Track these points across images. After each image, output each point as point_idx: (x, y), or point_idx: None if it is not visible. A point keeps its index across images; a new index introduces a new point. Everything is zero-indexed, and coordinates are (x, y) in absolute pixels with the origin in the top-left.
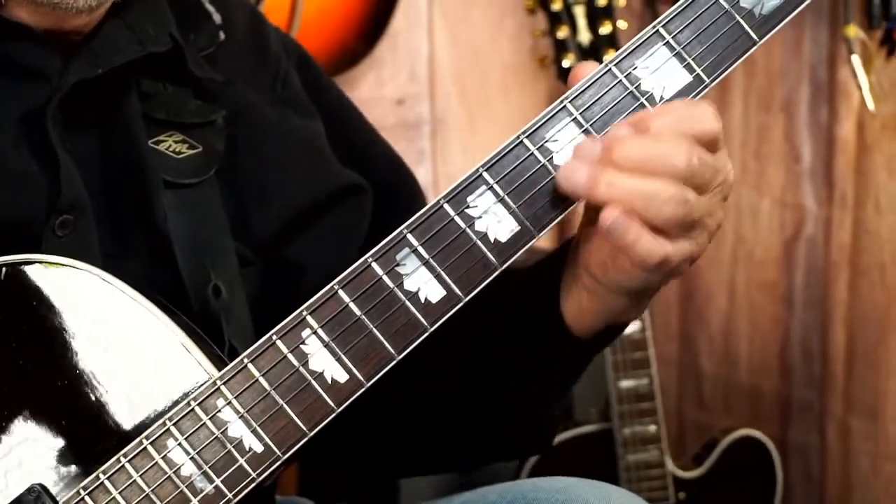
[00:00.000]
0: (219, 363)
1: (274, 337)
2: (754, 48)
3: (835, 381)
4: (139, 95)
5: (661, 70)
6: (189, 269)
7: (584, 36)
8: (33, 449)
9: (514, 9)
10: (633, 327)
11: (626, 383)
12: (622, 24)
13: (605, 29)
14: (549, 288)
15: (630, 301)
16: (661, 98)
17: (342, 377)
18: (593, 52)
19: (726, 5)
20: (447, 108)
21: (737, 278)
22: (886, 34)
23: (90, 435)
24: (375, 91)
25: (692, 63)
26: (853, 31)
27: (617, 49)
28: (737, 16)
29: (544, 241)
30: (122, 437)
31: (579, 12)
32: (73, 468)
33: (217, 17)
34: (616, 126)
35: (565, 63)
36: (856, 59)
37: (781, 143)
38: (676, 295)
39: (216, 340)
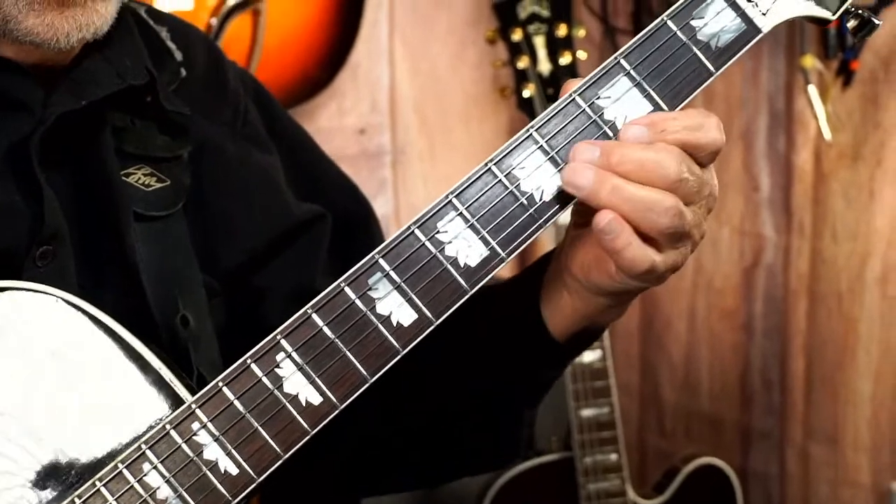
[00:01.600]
0: (190, 391)
1: (249, 360)
2: (711, 79)
3: (794, 408)
4: (111, 129)
5: (622, 100)
6: (157, 300)
7: (545, 66)
8: (8, 473)
9: (475, 39)
10: (593, 356)
11: (586, 412)
12: (582, 55)
13: (564, 59)
14: (530, 292)
15: (610, 301)
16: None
17: (316, 399)
18: (553, 81)
19: (684, 38)
20: (408, 137)
21: (697, 306)
22: (842, 64)
23: (66, 459)
24: (336, 121)
25: (652, 93)
26: (810, 61)
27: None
28: (694, 48)
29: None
30: (97, 462)
31: (539, 43)
32: (49, 493)
33: (178, 55)
34: (626, 126)
35: (525, 93)
36: (812, 89)
37: (740, 172)
38: (637, 324)
39: (184, 370)
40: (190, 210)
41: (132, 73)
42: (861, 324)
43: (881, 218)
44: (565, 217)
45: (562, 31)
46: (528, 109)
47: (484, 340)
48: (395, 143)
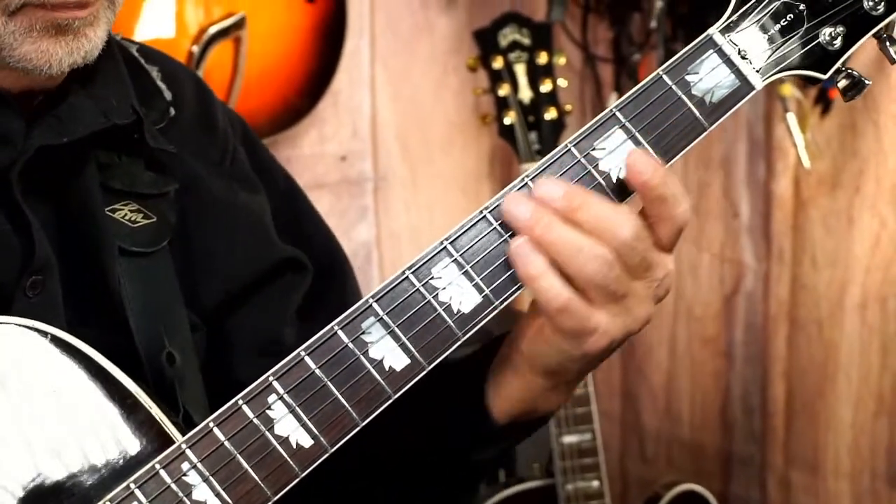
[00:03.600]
0: (178, 429)
1: (240, 402)
2: (704, 134)
3: (775, 434)
4: (98, 166)
5: (617, 151)
6: (143, 337)
7: (525, 93)
8: None
9: (457, 66)
10: None
11: (568, 439)
12: (562, 83)
13: (545, 87)
14: (479, 371)
15: (548, 382)
16: (618, 178)
17: (307, 442)
18: (534, 109)
19: (679, 92)
20: (390, 164)
21: (678, 334)
22: (821, 93)
23: (55, 498)
24: (318, 148)
25: (646, 146)
26: (788, 89)
27: (557, 107)
28: (689, 103)
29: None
30: (86, 501)
31: (520, 70)
32: None
33: (168, 94)
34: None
35: (507, 120)
36: (791, 117)
37: (720, 199)
38: (618, 351)
39: (170, 407)
40: (175, 246)
41: (117, 112)
42: (841, 350)
43: (860, 245)
44: None
45: (542, 58)
46: (509, 136)
47: (428, 413)
48: (376, 170)
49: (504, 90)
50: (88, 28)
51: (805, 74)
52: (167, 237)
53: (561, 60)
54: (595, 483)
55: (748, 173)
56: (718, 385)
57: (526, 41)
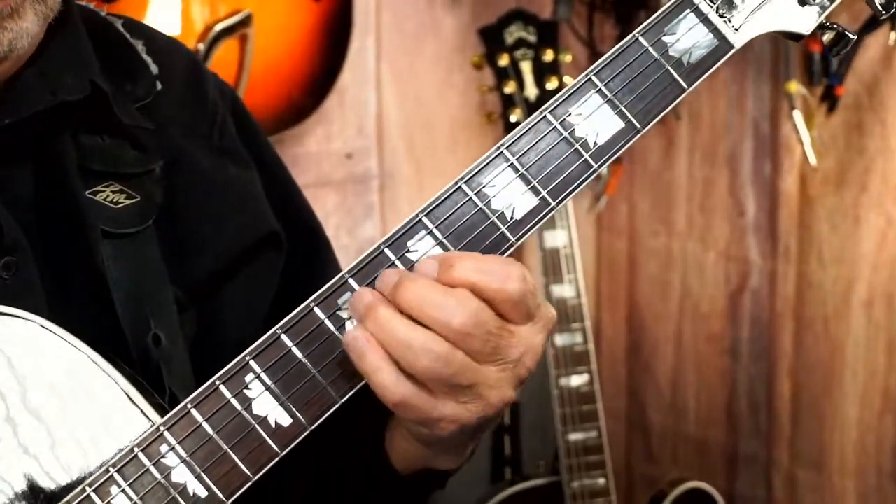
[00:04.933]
0: (161, 411)
1: (217, 382)
2: (683, 95)
3: (781, 432)
4: (76, 146)
5: (593, 116)
6: (129, 319)
7: (531, 91)
8: None
9: (462, 64)
10: (580, 380)
11: (574, 436)
12: (568, 80)
13: (551, 84)
14: (377, 427)
15: (431, 450)
16: (595, 144)
17: (286, 421)
18: (540, 106)
19: (655, 54)
20: (395, 162)
21: (683, 331)
22: (827, 90)
23: (34, 483)
24: (324, 145)
25: (624, 110)
26: (794, 87)
27: None
28: (666, 64)
29: None
30: (65, 486)
31: (526, 68)
32: None
33: (154, 68)
34: (421, 261)
35: (513, 118)
36: (797, 115)
37: (726, 197)
38: (624, 348)
39: (157, 389)
40: (162, 223)
41: (68, 88)
42: (847, 348)
43: (867, 242)
44: (552, 241)
45: (548, 56)
46: None
47: (337, 464)
48: (382, 168)
49: (510, 88)
50: (9, 20)
51: (787, 30)
52: (152, 216)
53: (567, 58)
54: (601, 481)
55: (754, 171)
56: (724, 382)
57: (532, 39)
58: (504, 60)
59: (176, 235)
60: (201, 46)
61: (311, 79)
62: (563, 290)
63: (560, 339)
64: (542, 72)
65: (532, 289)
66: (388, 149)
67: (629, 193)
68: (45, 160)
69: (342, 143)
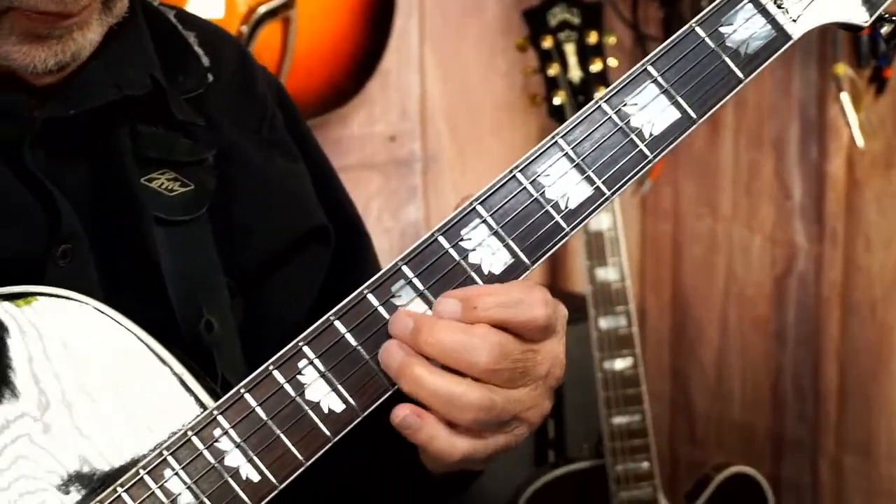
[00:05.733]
0: (214, 396)
1: (271, 367)
2: (740, 86)
3: (827, 417)
4: (132, 135)
5: (649, 107)
6: (181, 306)
7: (575, 73)
8: (30, 475)
9: (505, 47)
10: (624, 364)
11: (618, 420)
12: (612, 62)
13: (595, 66)
14: None
15: (464, 464)
16: (651, 134)
17: (339, 407)
18: (584, 89)
19: (712, 45)
20: (438, 145)
21: (728, 315)
22: (875, 72)
23: (87, 464)
24: (367, 128)
25: (679, 100)
26: (842, 69)
27: (607, 86)
28: (723, 55)
29: (537, 274)
30: (119, 468)
31: (570, 50)
32: (70, 497)
33: (205, 60)
34: (443, 297)
35: (556, 100)
36: (845, 97)
37: (772, 180)
38: (668, 332)
39: (209, 375)
40: (213, 212)
41: (132, 83)
42: (895, 332)
43: None
44: (597, 224)
45: (592, 38)
46: (558, 117)
47: (371, 466)
48: (425, 151)
49: (554, 70)
50: (76, 32)
51: (845, 22)
52: (205, 204)
53: (611, 40)
54: (645, 464)
55: (801, 154)
56: (769, 367)
57: (576, 20)
58: (548, 42)
59: (227, 224)
60: (244, 29)
61: (354, 61)
62: (608, 273)
63: (604, 322)
64: (586, 54)
65: (554, 306)
66: (431, 131)
67: (674, 177)
68: (102, 149)
69: (385, 126)
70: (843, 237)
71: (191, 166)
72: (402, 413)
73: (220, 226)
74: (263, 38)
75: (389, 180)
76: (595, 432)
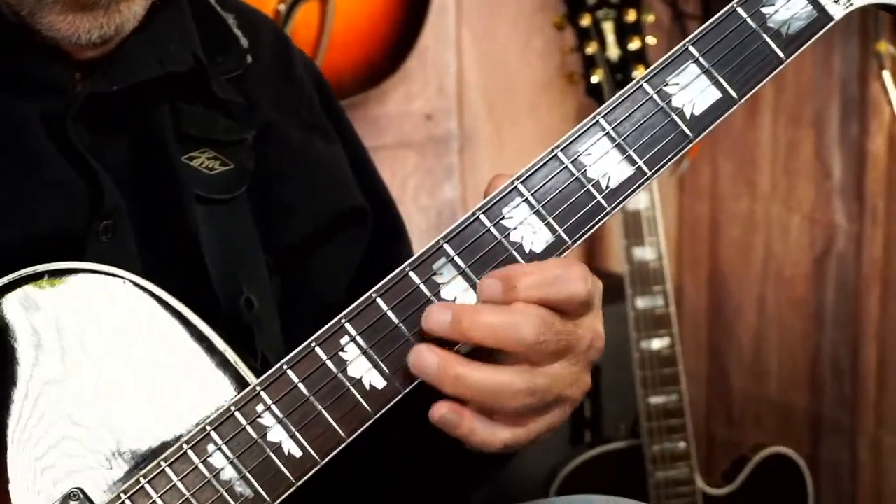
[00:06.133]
0: (255, 373)
1: (313, 344)
2: (781, 67)
3: (866, 397)
4: (173, 113)
5: (691, 87)
6: (221, 283)
7: (613, 52)
8: (75, 453)
9: (543, 25)
10: (661, 343)
11: (655, 400)
12: (651, 40)
13: (633, 45)
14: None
15: (507, 450)
16: (692, 114)
17: (380, 383)
18: (622, 67)
19: (754, 25)
20: (475, 123)
21: (766, 295)
22: None
23: (131, 440)
24: (404, 106)
25: (721, 80)
26: (884, 46)
27: (646, 65)
28: (764, 35)
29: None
30: (162, 443)
31: (608, 28)
32: (114, 472)
33: (244, 42)
34: (485, 279)
35: (594, 79)
36: (887, 75)
37: (811, 159)
38: (705, 311)
39: (248, 351)
40: (253, 191)
41: (174, 60)
42: None
43: None
44: (634, 203)
45: (630, 16)
46: (596, 95)
47: (411, 445)
48: (462, 129)
49: (591, 48)
50: (122, 3)
51: (887, 3)
52: (245, 184)
53: (649, 18)
54: (681, 444)
55: (841, 132)
56: (808, 347)
57: None
58: (586, 21)
59: (266, 204)
60: (282, 8)
61: (392, 40)
62: (645, 253)
63: (641, 302)
64: (624, 32)
65: (592, 282)
66: (468, 110)
67: (712, 156)
68: (144, 126)
69: (422, 105)
70: (883, 216)
71: (231, 146)
72: (441, 411)
73: (259, 205)
74: (301, 16)
75: (426, 159)
76: (631, 412)
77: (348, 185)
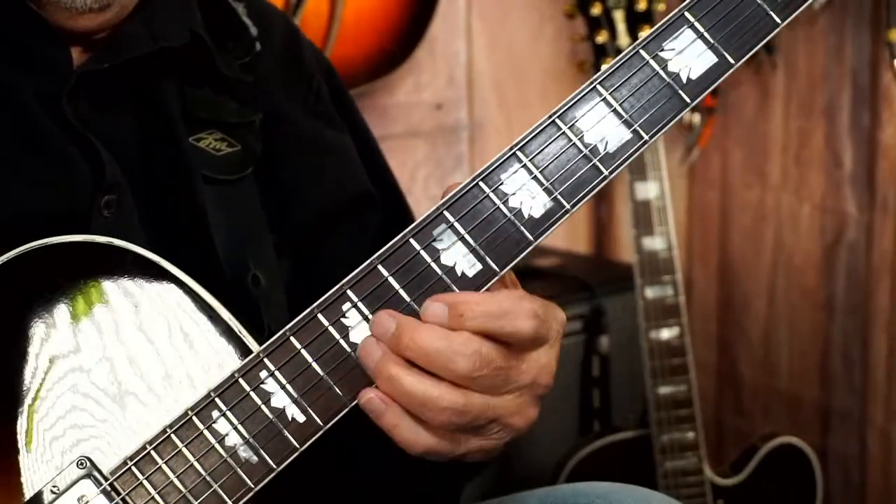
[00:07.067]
0: (259, 343)
1: (315, 310)
2: (776, 30)
3: (876, 388)
4: (180, 96)
5: (686, 52)
6: (228, 259)
7: (624, 40)
8: (81, 421)
9: (553, 14)
10: (671, 333)
11: (664, 390)
12: None
13: (644, 33)
14: None
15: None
16: (688, 79)
17: None
18: None
19: None
20: (485, 113)
21: (776, 284)
22: None
23: (136, 408)
24: (414, 95)
25: (717, 45)
26: None
27: None
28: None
29: (584, 242)
30: (167, 411)
31: (618, 17)
32: (121, 441)
33: (254, 30)
34: (430, 301)
35: (604, 67)
36: None
37: (822, 149)
38: (715, 301)
39: (255, 327)
40: (261, 174)
41: (169, 37)
42: None
43: None
44: (644, 193)
45: (642, 4)
46: None
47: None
48: (472, 119)
49: (602, 37)
50: None
51: None
52: (252, 165)
53: (660, 6)
54: (690, 434)
55: (852, 122)
56: (817, 337)
57: None
58: (597, 9)
59: (274, 187)
60: None
61: (401, 28)
62: (654, 243)
63: (651, 292)
64: (636, 20)
65: (544, 317)
66: (478, 99)
67: (723, 145)
68: (150, 107)
69: (432, 94)
70: (894, 205)
71: (238, 128)
72: (367, 395)
73: (266, 187)
74: (311, 5)
75: (436, 148)
76: (640, 402)
77: (357, 171)
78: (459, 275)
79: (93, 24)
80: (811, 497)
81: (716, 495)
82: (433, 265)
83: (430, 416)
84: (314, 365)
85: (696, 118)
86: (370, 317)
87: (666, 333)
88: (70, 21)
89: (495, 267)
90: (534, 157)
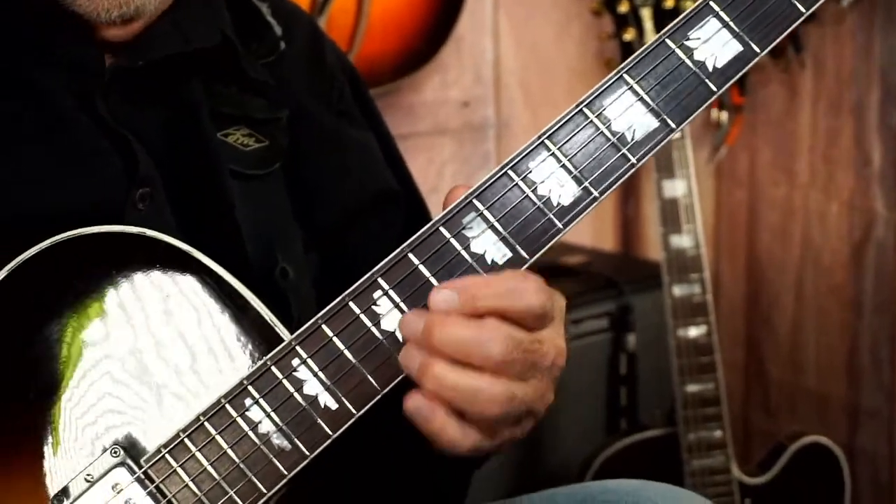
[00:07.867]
0: (290, 332)
1: (347, 298)
2: (801, 19)
3: None
4: (207, 93)
5: (712, 41)
6: (256, 253)
7: (651, 38)
8: (115, 410)
9: (580, 12)
10: (698, 331)
11: (691, 388)
12: None
13: None
14: None
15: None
16: (714, 67)
17: None
18: None
19: None
20: (512, 111)
21: (804, 282)
22: None
23: (170, 397)
24: (440, 93)
25: (742, 34)
26: None
27: None
28: None
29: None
30: (201, 399)
31: (646, 14)
32: (154, 429)
33: (278, 29)
34: (437, 288)
35: (631, 57)
36: None
37: (851, 147)
38: (742, 299)
39: (284, 319)
40: (287, 171)
41: (201, 37)
42: None
43: None
44: (671, 191)
45: (669, 2)
46: None
47: (389, 449)
48: (499, 117)
49: (630, 35)
50: None
51: None
52: (279, 160)
53: (688, 4)
54: (717, 433)
55: (881, 120)
56: (846, 335)
57: None
58: (624, 7)
59: (301, 183)
60: None
61: (429, 26)
62: (682, 241)
63: (678, 290)
64: (663, 18)
65: (549, 295)
66: (504, 97)
67: (751, 143)
68: (179, 104)
69: (459, 92)
70: None
71: (265, 123)
72: (414, 403)
73: (293, 183)
74: (338, 2)
75: (463, 146)
76: (668, 400)
77: (380, 168)
78: (490, 262)
79: (122, 34)
80: (839, 496)
81: (743, 494)
82: (463, 253)
83: (479, 409)
84: (346, 352)
85: (724, 116)
86: (401, 304)
87: (693, 331)
88: (100, 30)
89: (525, 254)
90: (562, 145)
